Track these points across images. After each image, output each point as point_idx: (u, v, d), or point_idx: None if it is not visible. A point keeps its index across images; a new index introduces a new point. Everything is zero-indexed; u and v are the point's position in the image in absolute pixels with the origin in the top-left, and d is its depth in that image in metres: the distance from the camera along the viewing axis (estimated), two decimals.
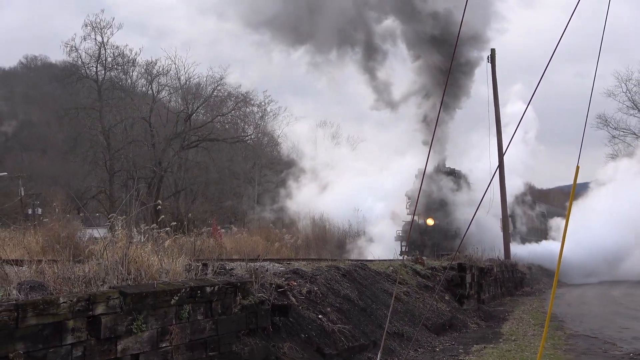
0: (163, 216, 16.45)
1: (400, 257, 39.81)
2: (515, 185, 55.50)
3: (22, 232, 28.38)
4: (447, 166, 48.67)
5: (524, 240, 56.85)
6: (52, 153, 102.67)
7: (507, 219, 45.02)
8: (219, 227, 42.27)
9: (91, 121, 70.96)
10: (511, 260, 42.90)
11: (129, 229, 12.88)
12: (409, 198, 48.15)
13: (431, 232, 46.05)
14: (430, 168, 46.83)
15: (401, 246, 46.13)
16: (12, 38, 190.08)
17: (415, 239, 45.25)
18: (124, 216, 13.33)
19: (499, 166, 40.87)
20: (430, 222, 46.43)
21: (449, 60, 42.97)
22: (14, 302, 9.53)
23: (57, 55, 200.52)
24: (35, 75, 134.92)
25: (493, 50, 46.31)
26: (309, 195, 59.08)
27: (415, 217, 46.40)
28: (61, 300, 10.01)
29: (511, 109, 60.31)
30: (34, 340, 9.58)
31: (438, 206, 46.36)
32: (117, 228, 13.00)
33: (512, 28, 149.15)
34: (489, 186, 12.06)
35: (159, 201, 27.46)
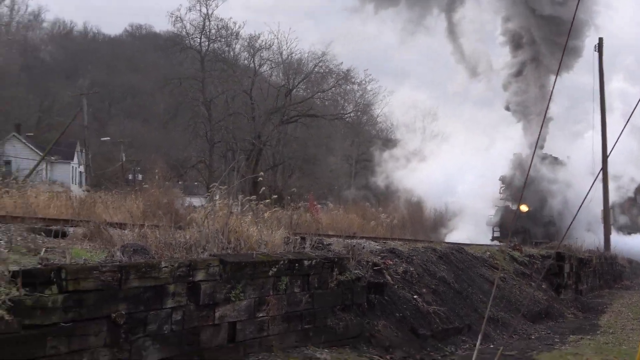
0: (264, 188, 16.51)
1: (494, 243, 39.52)
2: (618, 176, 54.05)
3: (124, 196, 28.94)
4: (544, 152, 47.64)
5: (623, 231, 55.49)
6: (154, 121, 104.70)
7: (608, 211, 44.05)
8: (315, 203, 42.44)
9: (193, 92, 71.86)
10: (611, 252, 41.96)
11: (230, 199, 12.92)
12: (502, 183, 47.94)
13: (524, 219, 45.22)
14: (525, 153, 46.69)
15: (492, 231, 45.95)
16: (119, 6, 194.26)
17: (508, 225, 44.78)
18: (225, 186, 13.38)
19: (602, 166, 39.82)
20: (524, 208, 45.40)
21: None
22: (118, 263, 9.67)
23: (161, 26, 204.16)
24: (140, 44, 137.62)
25: (601, 40, 44.89)
26: (406, 175, 58.65)
27: (509, 203, 46.69)
28: (163, 264, 10.12)
29: (616, 85, 59.12)
30: (135, 302, 9.71)
31: (533, 193, 45.53)
32: (217, 198, 13.08)
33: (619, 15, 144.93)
34: (593, 184, 11.67)
35: (261, 173, 27.58)
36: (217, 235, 11.73)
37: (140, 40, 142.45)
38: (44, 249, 10.38)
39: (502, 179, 47.99)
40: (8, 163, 69.75)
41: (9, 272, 8.59)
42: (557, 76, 26.97)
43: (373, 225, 42.86)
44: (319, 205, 46.53)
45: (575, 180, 44.47)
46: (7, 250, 9.94)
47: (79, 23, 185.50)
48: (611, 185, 46.89)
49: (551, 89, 36.99)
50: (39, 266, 8.97)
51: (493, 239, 44.36)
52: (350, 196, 66.26)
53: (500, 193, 48.09)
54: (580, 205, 12.49)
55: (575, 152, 49.20)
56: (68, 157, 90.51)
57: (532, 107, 46.88)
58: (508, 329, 19.40)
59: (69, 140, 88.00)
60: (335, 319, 13.76)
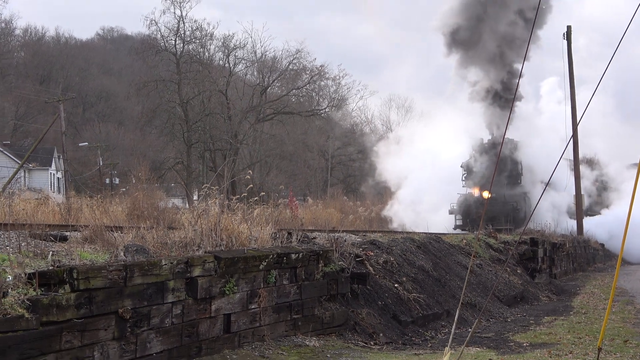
0: (251, 186, 17.33)
1: (457, 231, 39.43)
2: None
3: (108, 200, 29.62)
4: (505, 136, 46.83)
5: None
6: (129, 124, 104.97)
7: (580, 195, 44.92)
8: (294, 199, 43.17)
9: (169, 94, 72.38)
10: (584, 236, 42.99)
11: (221, 199, 13.74)
12: (464, 170, 46.70)
13: (487, 206, 43.10)
14: (486, 139, 46.37)
15: (455, 220, 45.03)
16: (87, 10, 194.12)
17: (469, 212, 44.13)
18: (216, 187, 14.20)
19: (574, 147, 40.79)
20: (486, 194, 43.93)
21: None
22: (123, 262, 10.49)
23: (132, 27, 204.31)
24: (112, 47, 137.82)
25: (569, 27, 45.76)
26: (381, 170, 58.50)
27: (470, 190, 45.60)
28: (163, 262, 10.95)
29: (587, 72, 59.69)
30: (140, 298, 10.54)
31: (495, 179, 44.00)
32: (209, 198, 13.90)
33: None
34: (558, 163, 12.42)
35: (249, 171, 28.25)
36: (211, 233, 12.57)
37: (112, 43, 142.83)
38: (50, 253, 11.16)
39: (463, 165, 46.75)
40: None
41: (25, 274, 9.38)
42: (524, 62, 27.72)
43: (351, 219, 43.74)
44: (297, 202, 47.25)
45: (539, 163, 43.86)
46: (16, 255, 10.70)
47: (50, 29, 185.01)
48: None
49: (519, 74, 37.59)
50: (52, 268, 9.76)
51: (455, 227, 43.60)
52: (327, 191, 67.02)
53: (462, 180, 46.62)
54: (545, 188, 13.21)
55: (541, 134, 49.03)
56: (46, 164, 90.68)
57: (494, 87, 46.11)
58: (485, 314, 20.35)
59: (46, 147, 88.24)
60: (322, 309, 14.65)
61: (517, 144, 46.30)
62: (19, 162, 73.98)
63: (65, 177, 74.30)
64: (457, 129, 49.74)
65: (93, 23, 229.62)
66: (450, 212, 45.37)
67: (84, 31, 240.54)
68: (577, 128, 41.89)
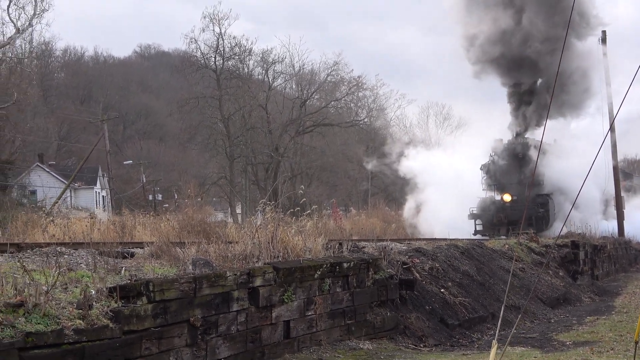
0: (304, 199, 18.25)
1: (477, 237, 37.68)
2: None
3: (159, 216, 30.75)
4: (527, 136, 44.25)
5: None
6: (169, 140, 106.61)
7: (620, 197, 45.06)
8: (338, 210, 43.93)
9: (211, 110, 73.86)
10: (625, 237, 43.23)
11: (276, 214, 14.67)
12: (484, 173, 44.03)
13: (508, 210, 41.55)
14: (507, 139, 44.21)
15: (475, 225, 42.53)
16: (122, 27, 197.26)
17: (490, 216, 41.69)
18: (273, 202, 15.13)
19: (613, 149, 40.70)
20: (507, 198, 42.02)
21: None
22: (192, 275, 11.43)
23: (169, 44, 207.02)
24: (150, 64, 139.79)
25: (604, 32, 45.50)
26: (419, 177, 57.03)
27: (491, 193, 43.23)
28: (228, 274, 11.89)
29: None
30: (208, 307, 11.48)
31: (517, 181, 42.48)
32: (265, 212, 14.84)
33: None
34: (592, 165, 12.56)
35: (302, 186, 29.19)
36: (268, 246, 13.48)
37: (149, 60, 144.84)
38: (123, 268, 12.14)
39: (483, 168, 44.14)
40: (33, 193, 71.70)
41: (107, 288, 10.34)
42: (559, 67, 27.56)
43: (394, 227, 44.38)
44: (340, 212, 47.98)
45: (565, 165, 40.69)
46: (97, 271, 11.70)
47: (89, 48, 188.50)
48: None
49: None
50: (130, 282, 10.71)
51: (475, 232, 41.65)
52: (370, 200, 67.62)
53: (482, 183, 44.00)
54: (580, 190, 13.39)
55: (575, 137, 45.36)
56: (91, 183, 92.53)
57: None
58: (529, 315, 21.08)
59: (91, 166, 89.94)
60: (373, 314, 15.51)
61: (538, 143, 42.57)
62: (64, 181, 75.76)
63: (111, 195, 75.92)
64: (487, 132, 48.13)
65: (130, 41, 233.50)
66: (470, 217, 42.85)
67: (122, 49, 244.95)
68: (614, 127, 41.50)
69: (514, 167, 42.37)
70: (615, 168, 44.40)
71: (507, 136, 44.85)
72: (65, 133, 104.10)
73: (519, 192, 41.63)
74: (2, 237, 21.63)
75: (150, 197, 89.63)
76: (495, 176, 43.41)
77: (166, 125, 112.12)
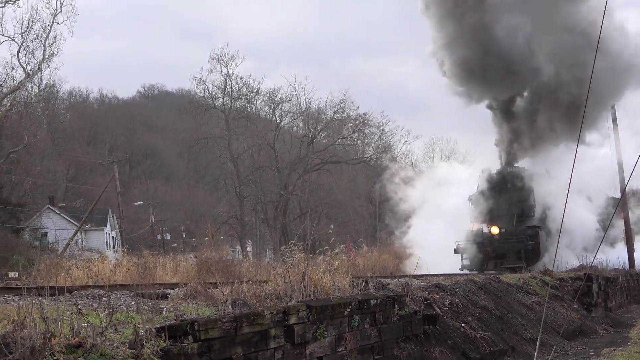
0: (333, 239, 18.87)
1: (464, 272, 36.52)
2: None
3: (177, 257, 31.36)
4: (516, 165, 42.66)
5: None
6: (175, 180, 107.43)
7: (630, 228, 45.26)
8: (352, 247, 44.32)
9: (220, 150, 74.79)
10: (636, 269, 43.50)
11: (306, 253, 15.26)
12: (472, 204, 41.60)
13: (496, 243, 39.53)
14: (495, 168, 42.58)
15: (462, 259, 40.03)
16: (123, 66, 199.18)
17: (476, 250, 39.60)
18: (301, 243, 15.72)
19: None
20: (495, 230, 39.93)
21: None
22: (232, 314, 11.99)
23: (172, 84, 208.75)
24: (154, 104, 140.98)
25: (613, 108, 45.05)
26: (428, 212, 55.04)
27: (479, 225, 40.82)
28: (265, 313, 12.44)
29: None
30: (248, 345, 12.03)
31: (505, 212, 40.52)
32: (292, 253, 15.42)
33: None
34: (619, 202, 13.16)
35: (332, 226, 29.66)
36: (300, 284, 14.05)
37: (153, 100, 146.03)
38: (164, 309, 12.71)
39: (470, 199, 41.65)
40: (44, 235, 72.23)
41: (155, 328, 10.90)
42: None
43: (406, 263, 44.62)
44: (354, 249, 48.39)
45: (557, 196, 37.86)
46: (135, 312, 12.26)
47: (94, 89, 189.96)
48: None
49: None
50: (175, 322, 11.27)
51: (462, 267, 39.44)
52: (381, 237, 67.97)
53: (470, 216, 41.46)
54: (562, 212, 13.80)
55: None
56: (101, 224, 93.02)
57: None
58: (547, 347, 21.55)
59: (101, 207, 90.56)
60: (399, 349, 16.03)
61: (529, 172, 42.03)
62: (75, 223, 76.33)
63: (121, 237, 76.48)
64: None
65: (134, 81, 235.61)
66: (456, 251, 40.19)
67: (125, 89, 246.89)
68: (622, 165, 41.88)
69: (503, 198, 40.73)
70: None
71: (497, 165, 43.38)
72: (73, 175, 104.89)
73: (507, 224, 40.04)
74: (28, 281, 22.24)
75: (159, 237, 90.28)
76: (482, 208, 41.29)
77: (172, 165, 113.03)
